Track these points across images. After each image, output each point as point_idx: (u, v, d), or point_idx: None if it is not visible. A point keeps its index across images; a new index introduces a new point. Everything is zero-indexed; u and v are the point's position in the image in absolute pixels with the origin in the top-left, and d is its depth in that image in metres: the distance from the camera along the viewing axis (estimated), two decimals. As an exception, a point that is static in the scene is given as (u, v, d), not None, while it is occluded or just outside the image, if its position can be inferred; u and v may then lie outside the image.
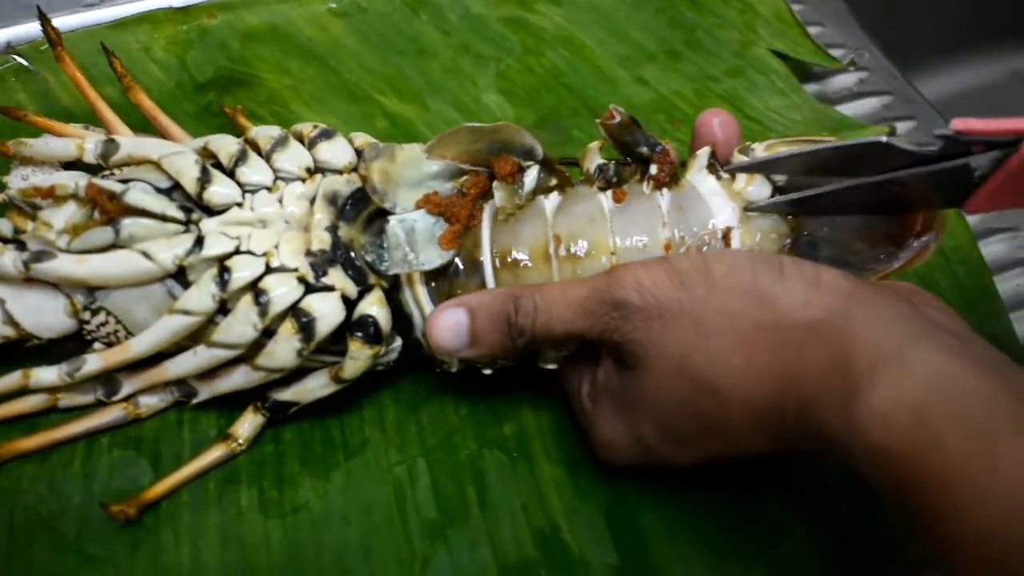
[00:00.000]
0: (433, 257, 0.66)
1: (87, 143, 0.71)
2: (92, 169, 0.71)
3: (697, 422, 0.59)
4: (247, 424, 0.70)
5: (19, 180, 0.72)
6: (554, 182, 0.70)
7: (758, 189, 0.68)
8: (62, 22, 0.98)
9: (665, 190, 0.69)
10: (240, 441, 0.70)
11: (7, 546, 0.65)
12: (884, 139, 0.61)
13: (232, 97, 0.90)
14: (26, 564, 0.65)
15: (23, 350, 0.70)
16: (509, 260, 0.68)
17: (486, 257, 0.68)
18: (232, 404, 0.71)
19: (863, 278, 0.62)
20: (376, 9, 1.02)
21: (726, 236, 0.67)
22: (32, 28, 0.97)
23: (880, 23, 1.17)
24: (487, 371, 0.70)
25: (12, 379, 0.69)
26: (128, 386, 0.70)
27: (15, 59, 0.91)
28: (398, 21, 1.02)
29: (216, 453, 0.69)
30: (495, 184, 0.68)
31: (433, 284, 0.68)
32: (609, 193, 0.70)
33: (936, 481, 0.46)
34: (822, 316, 0.55)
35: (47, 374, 0.69)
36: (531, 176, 0.69)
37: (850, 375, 0.50)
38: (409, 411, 0.74)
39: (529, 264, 0.68)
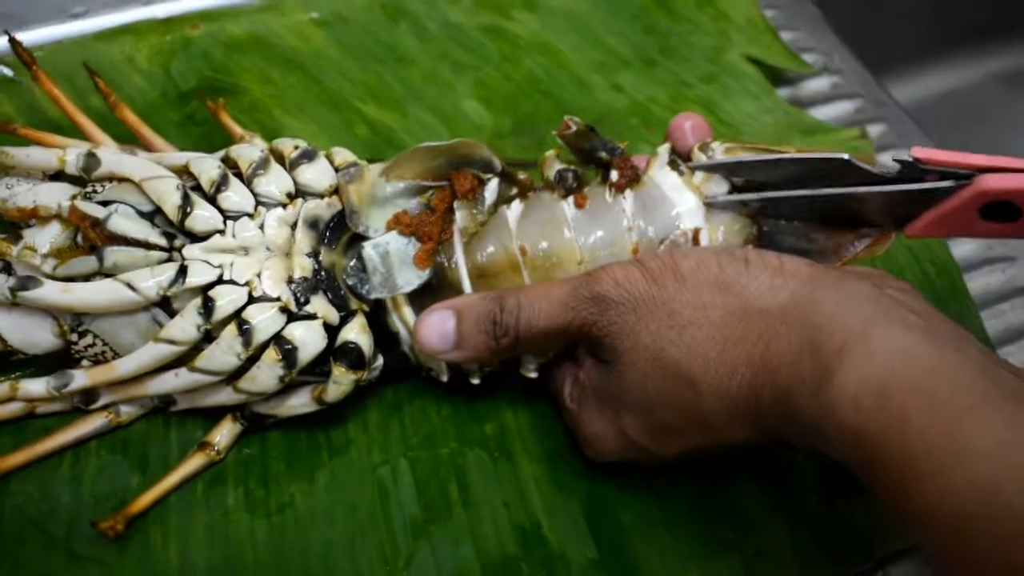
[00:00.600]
0: (411, 278, 0.68)
1: (68, 156, 0.71)
2: (76, 180, 0.72)
3: (676, 413, 0.61)
4: (224, 433, 0.71)
5: (3, 189, 0.72)
6: (515, 191, 0.72)
7: (716, 185, 0.71)
8: (47, 33, 1.00)
9: (628, 191, 0.70)
10: (218, 449, 0.71)
11: (-6, 545, 0.66)
12: (846, 156, 0.65)
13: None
14: (15, 563, 0.66)
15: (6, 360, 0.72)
16: (483, 272, 0.70)
17: (462, 270, 0.69)
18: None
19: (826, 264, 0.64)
20: (357, 19, 1.04)
21: (695, 236, 0.69)
22: (18, 38, 0.98)
23: (853, 28, 1.19)
24: (475, 380, 0.72)
25: (0, 389, 0.70)
26: (107, 396, 0.71)
27: (1, 70, 0.91)
28: (378, 30, 1.03)
29: (196, 462, 0.70)
30: (456, 204, 0.69)
31: (416, 301, 0.69)
32: (571, 199, 0.71)
33: (901, 455, 0.48)
34: (788, 301, 0.57)
35: (35, 386, 0.70)
36: (491, 189, 0.70)
37: (819, 359, 0.52)
38: (392, 412, 0.75)
39: (501, 274, 0.70)
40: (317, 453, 0.72)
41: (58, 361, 0.71)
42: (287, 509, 0.69)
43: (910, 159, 0.63)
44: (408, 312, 0.69)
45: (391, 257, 0.68)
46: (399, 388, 0.76)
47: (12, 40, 0.79)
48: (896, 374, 0.50)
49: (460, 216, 0.69)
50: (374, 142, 0.92)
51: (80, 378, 0.69)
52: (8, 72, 0.92)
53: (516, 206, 0.72)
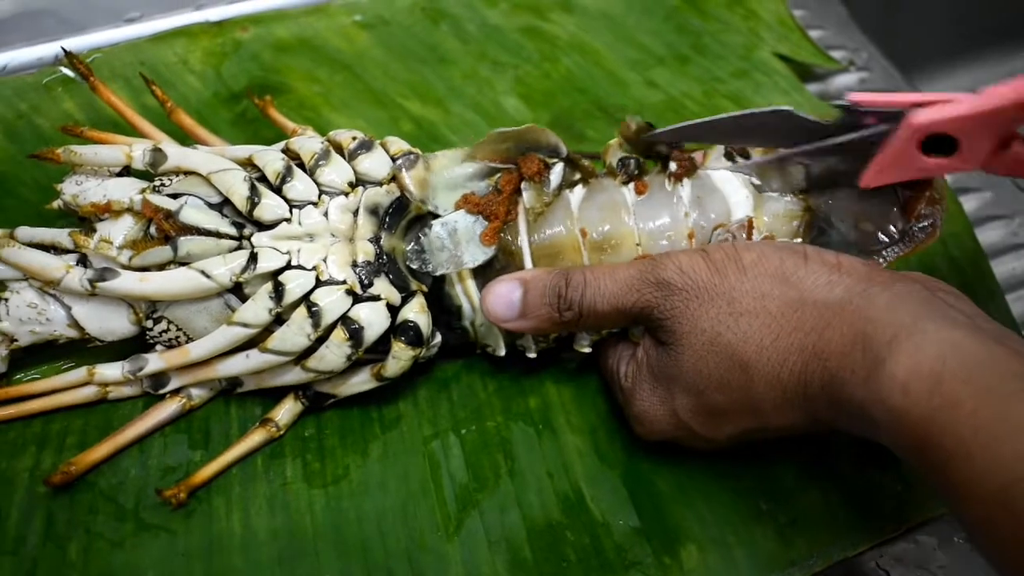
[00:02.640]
0: (477, 254, 0.72)
1: (135, 151, 0.74)
2: (142, 175, 0.76)
3: (728, 396, 0.63)
4: (286, 411, 0.74)
5: (73, 186, 0.75)
6: (578, 176, 0.75)
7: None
8: (104, 36, 1.04)
9: (686, 180, 0.74)
10: (279, 426, 0.74)
11: (69, 515, 0.70)
12: (789, 108, 0.69)
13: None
14: (88, 532, 0.69)
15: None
16: (544, 252, 0.73)
17: (525, 249, 0.73)
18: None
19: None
20: (399, 21, 1.07)
21: (749, 224, 0.72)
22: (77, 42, 1.02)
23: (880, 26, 1.21)
24: (531, 355, 0.75)
25: (78, 375, 0.74)
26: (176, 380, 0.74)
27: (62, 71, 0.95)
28: (420, 32, 1.07)
29: (256, 438, 0.73)
30: (523, 185, 0.73)
31: (480, 278, 0.73)
32: (632, 185, 0.75)
33: (950, 434, 0.51)
34: (843, 296, 0.60)
35: (111, 371, 0.73)
36: (556, 172, 0.74)
37: (871, 348, 0.56)
38: (440, 388, 0.78)
39: (562, 254, 0.73)
40: (370, 427, 0.76)
41: (130, 347, 0.75)
42: (342, 480, 0.73)
43: (847, 103, 0.68)
44: (472, 287, 0.73)
45: (458, 234, 0.72)
46: (447, 367, 0.79)
47: (68, 54, 0.83)
48: (946, 363, 0.53)
49: (527, 196, 0.72)
50: (419, 137, 0.95)
51: (154, 361, 0.72)
52: (70, 72, 0.95)
53: (579, 190, 0.75)
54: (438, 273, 0.72)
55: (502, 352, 0.75)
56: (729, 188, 0.74)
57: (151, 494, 0.71)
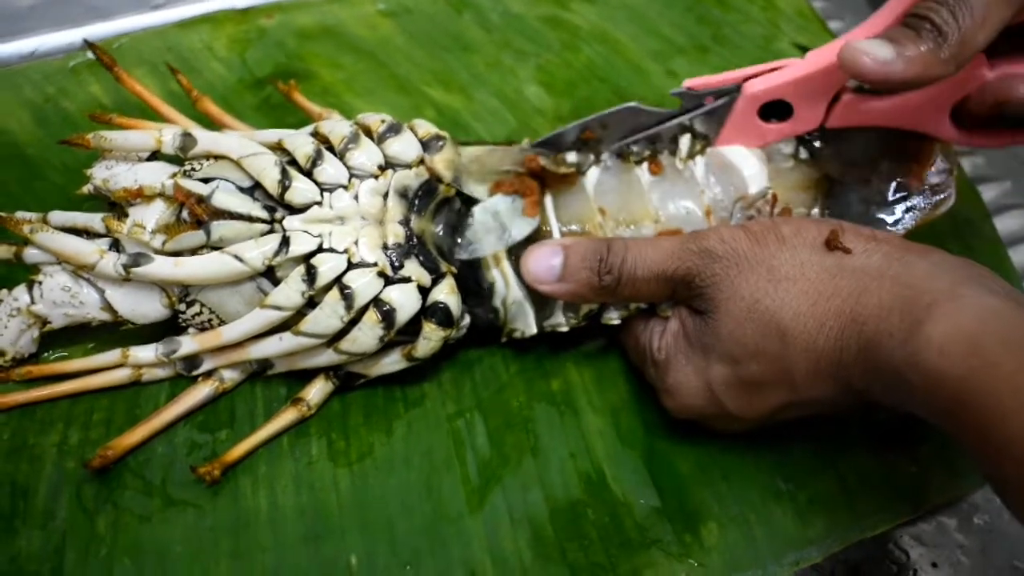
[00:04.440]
0: (523, 227, 0.73)
1: (164, 136, 0.75)
2: (172, 159, 0.76)
3: (764, 365, 0.64)
4: (317, 390, 0.75)
5: (103, 171, 0.76)
6: (591, 158, 0.76)
7: (782, 144, 0.77)
8: (130, 22, 1.05)
9: (698, 158, 0.75)
10: (310, 405, 0.75)
11: (97, 490, 0.71)
12: (634, 104, 0.76)
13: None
14: (116, 507, 0.71)
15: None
16: (570, 231, 0.74)
17: (554, 226, 0.74)
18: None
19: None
20: (422, 9, 1.08)
21: (773, 200, 0.73)
22: (103, 28, 1.04)
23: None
24: (563, 329, 0.76)
25: (112, 356, 0.75)
26: (209, 362, 0.75)
27: (89, 56, 0.96)
28: (443, 20, 1.07)
29: (288, 417, 0.74)
30: (540, 158, 0.74)
31: (513, 257, 0.74)
32: (645, 166, 0.76)
33: (988, 394, 0.52)
34: (881, 262, 0.61)
35: (144, 353, 0.74)
36: (570, 156, 0.75)
37: (909, 312, 0.56)
38: (463, 369, 0.79)
39: (585, 235, 0.74)
40: (394, 406, 0.77)
41: (161, 329, 0.76)
42: (367, 457, 0.74)
43: (685, 90, 0.75)
44: (507, 264, 0.74)
45: (501, 214, 0.73)
46: (470, 350, 0.80)
47: (91, 46, 0.84)
48: (985, 326, 0.54)
49: (545, 161, 0.73)
50: (441, 124, 0.94)
51: (188, 344, 0.73)
52: (93, 54, 0.96)
53: (593, 173, 0.76)
54: (490, 253, 0.73)
55: (533, 331, 0.76)
56: (742, 162, 0.76)
57: (178, 470, 0.72)
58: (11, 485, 0.71)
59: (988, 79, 0.69)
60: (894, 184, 0.75)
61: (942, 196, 0.75)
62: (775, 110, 0.74)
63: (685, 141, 0.76)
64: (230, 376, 0.76)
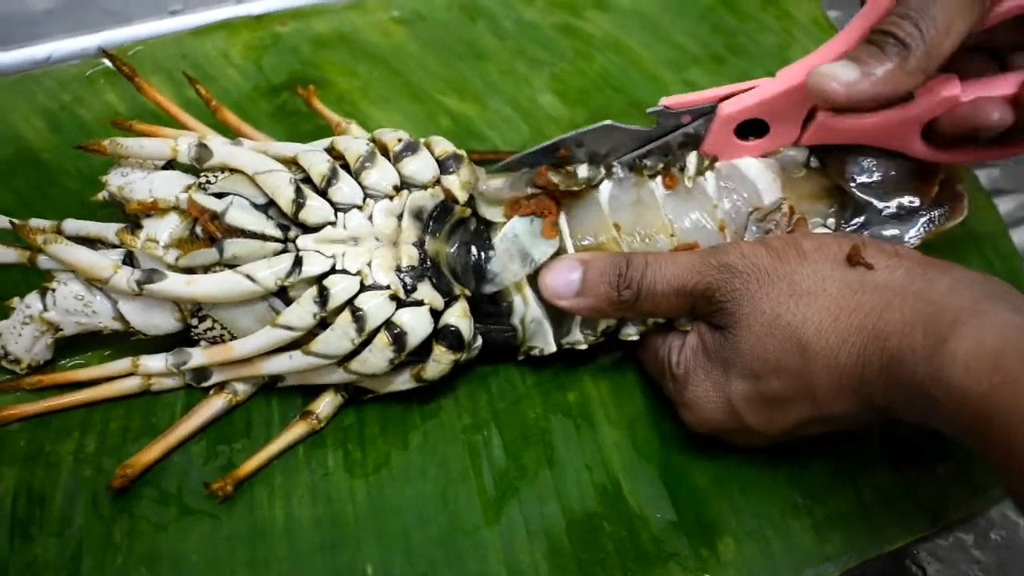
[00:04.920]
0: (545, 249, 0.73)
1: (180, 145, 0.74)
2: (187, 168, 0.76)
3: (784, 380, 0.64)
4: (326, 404, 0.75)
5: (119, 178, 0.76)
6: (603, 172, 0.76)
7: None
8: (147, 28, 1.05)
9: (708, 172, 0.75)
10: (319, 418, 0.75)
11: (113, 497, 0.71)
12: (609, 122, 0.76)
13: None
14: (132, 516, 0.71)
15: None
16: (585, 246, 0.74)
17: (568, 243, 0.74)
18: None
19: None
20: (436, 17, 1.08)
21: (790, 212, 0.73)
22: (119, 34, 1.04)
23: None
24: (582, 347, 0.76)
25: (122, 364, 0.75)
26: (218, 375, 0.75)
27: (105, 63, 0.96)
28: (456, 28, 1.07)
29: (298, 430, 0.74)
30: (551, 174, 0.73)
31: (530, 277, 0.73)
32: (659, 180, 0.75)
33: (1012, 412, 0.52)
34: (904, 278, 0.61)
35: (154, 363, 0.74)
36: (582, 169, 0.74)
37: (932, 329, 0.56)
38: (479, 381, 0.79)
39: (603, 250, 0.74)
40: (410, 417, 0.77)
41: (173, 338, 0.75)
42: (383, 468, 0.74)
43: (662, 107, 0.75)
44: (526, 284, 0.73)
45: (520, 238, 0.73)
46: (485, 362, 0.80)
47: (110, 57, 0.84)
48: (1008, 343, 0.54)
49: (557, 179, 0.72)
50: (456, 132, 0.96)
51: (198, 356, 0.73)
52: (111, 65, 0.96)
53: (605, 188, 0.76)
54: (516, 280, 0.73)
55: (552, 349, 0.75)
56: (755, 174, 0.76)
57: (194, 479, 0.72)
58: (28, 492, 0.71)
59: (960, 102, 0.69)
60: (907, 194, 0.75)
61: (955, 206, 0.75)
62: (752, 128, 0.75)
63: (693, 157, 0.76)
64: (242, 388, 0.76)
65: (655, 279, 0.68)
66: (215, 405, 0.75)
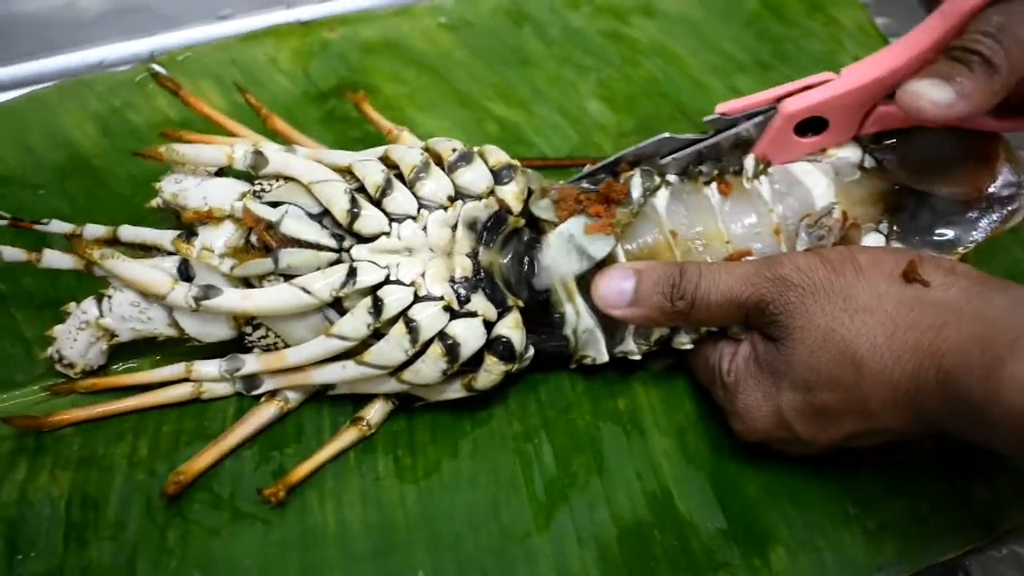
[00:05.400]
0: (602, 245, 0.72)
1: (236, 152, 0.75)
2: (241, 175, 0.77)
3: (837, 394, 0.64)
4: (377, 410, 0.75)
5: (172, 185, 0.76)
6: (657, 181, 0.76)
7: (848, 151, 0.77)
8: (196, 33, 1.06)
9: (763, 177, 0.75)
10: (370, 424, 0.75)
11: (166, 503, 0.71)
12: (667, 134, 0.77)
13: (353, 104, 0.96)
14: (186, 519, 0.71)
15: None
16: (638, 256, 0.74)
17: (620, 256, 0.74)
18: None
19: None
20: (483, 24, 1.08)
21: (843, 217, 0.73)
22: (169, 39, 1.05)
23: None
24: (636, 357, 0.76)
25: (175, 370, 0.76)
26: (269, 383, 0.75)
27: (155, 67, 0.97)
28: (503, 35, 1.07)
29: (349, 436, 0.75)
30: (619, 212, 0.73)
31: (582, 284, 0.73)
32: (714, 186, 0.75)
33: None
34: (960, 296, 0.61)
35: (207, 368, 0.75)
36: (635, 184, 0.74)
37: (991, 348, 0.56)
38: (528, 389, 0.79)
39: (656, 257, 0.74)
40: (460, 423, 0.77)
41: (225, 344, 0.76)
42: (433, 475, 0.74)
43: (718, 115, 0.76)
44: (577, 294, 0.73)
45: (576, 238, 0.73)
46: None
47: (156, 75, 0.84)
48: None
49: (620, 214, 0.73)
50: (503, 139, 0.96)
51: (251, 363, 0.74)
52: (162, 70, 0.97)
53: (662, 194, 0.76)
54: (571, 275, 0.73)
55: (604, 359, 0.75)
56: (810, 179, 0.76)
57: (246, 484, 0.73)
58: (82, 495, 0.72)
59: None
60: (962, 197, 0.75)
61: (1011, 209, 0.75)
62: (809, 125, 0.75)
63: (750, 160, 0.76)
64: (293, 396, 0.76)
65: (709, 290, 0.68)
66: (267, 412, 0.75)
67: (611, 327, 0.74)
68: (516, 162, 0.75)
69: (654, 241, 0.74)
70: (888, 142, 0.77)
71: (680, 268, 0.69)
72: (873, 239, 0.75)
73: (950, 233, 0.75)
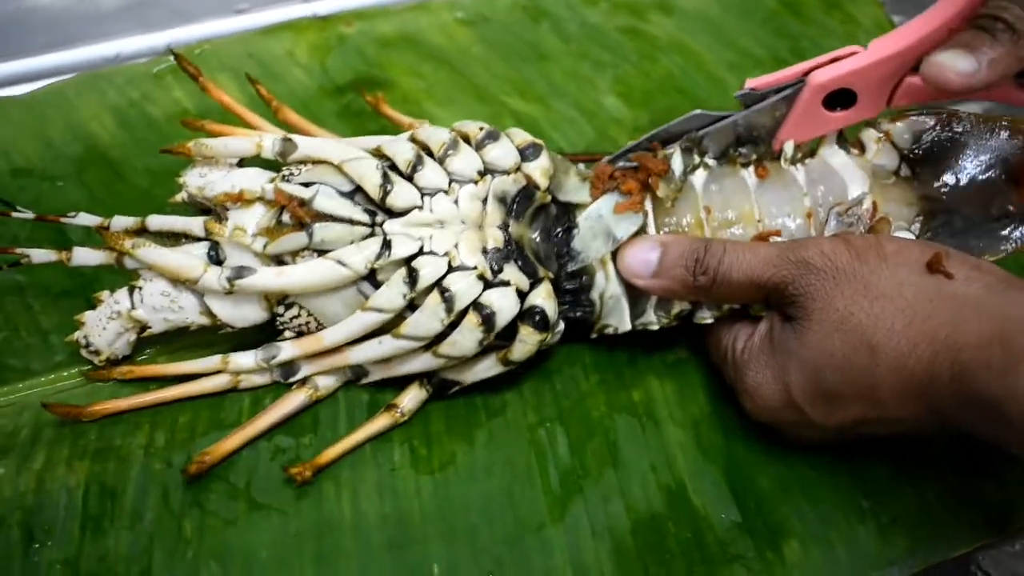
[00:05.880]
0: (627, 226, 0.73)
1: (265, 142, 0.75)
2: (264, 165, 0.77)
3: (847, 379, 0.64)
4: (411, 398, 0.76)
5: (197, 179, 0.77)
6: (697, 160, 0.77)
7: (886, 157, 0.77)
8: (213, 27, 1.07)
9: (799, 165, 0.75)
10: (404, 412, 0.75)
11: (183, 492, 0.72)
12: (698, 111, 0.77)
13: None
14: (201, 509, 0.71)
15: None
16: (671, 229, 0.75)
17: (651, 226, 0.75)
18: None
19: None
20: (500, 19, 1.08)
21: (873, 209, 0.74)
22: (187, 32, 1.05)
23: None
24: (654, 327, 0.76)
25: (212, 362, 0.76)
26: (306, 369, 0.76)
27: (172, 60, 0.97)
28: (520, 30, 1.08)
29: (381, 423, 0.75)
30: (652, 180, 0.74)
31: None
32: (751, 169, 0.76)
33: None
34: (982, 292, 0.61)
35: (244, 359, 0.75)
36: (676, 161, 0.75)
37: (1011, 346, 0.55)
38: (543, 379, 0.80)
39: (687, 232, 0.75)
40: (475, 414, 0.77)
41: (256, 336, 0.77)
42: (449, 466, 0.74)
43: (748, 90, 0.77)
44: (609, 259, 0.74)
45: (605, 218, 0.73)
46: (550, 359, 0.80)
47: (177, 56, 0.84)
48: None
49: (661, 189, 0.74)
50: (520, 133, 0.97)
51: (288, 349, 0.74)
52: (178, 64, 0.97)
53: (700, 173, 0.77)
54: (598, 257, 0.74)
55: (626, 327, 0.76)
56: (847, 173, 0.77)
57: (262, 474, 0.73)
58: (99, 485, 0.72)
59: None
60: (997, 206, 0.74)
61: None
62: (838, 99, 0.75)
63: (790, 146, 0.77)
64: (324, 384, 0.76)
65: (731, 267, 0.68)
66: (296, 400, 0.76)
67: (636, 296, 0.75)
68: (540, 142, 0.75)
69: (688, 217, 0.75)
70: (922, 150, 0.76)
71: (705, 244, 0.69)
72: (902, 236, 0.75)
73: (981, 243, 0.75)
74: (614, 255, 0.74)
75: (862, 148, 0.78)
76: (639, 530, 0.72)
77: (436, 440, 0.76)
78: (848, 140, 0.78)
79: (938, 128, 0.75)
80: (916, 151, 0.76)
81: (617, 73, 1.04)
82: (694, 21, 1.10)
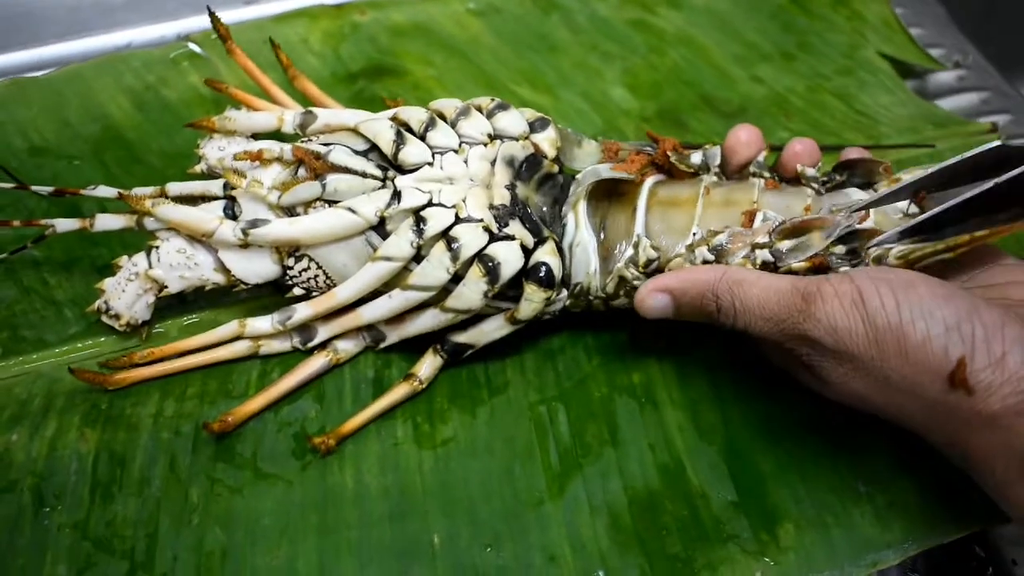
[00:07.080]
0: (600, 170, 0.77)
1: (286, 115, 0.79)
2: (281, 139, 0.79)
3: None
4: (427, 365, 0.77)
5: (215, 151, 0.80)
6: (714, 177, 0.78)
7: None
8: (229, 15, 1.08)
9: (808, 189, 0.76)
10: (421, 380, 0.77)
11: (191, 460, 0.74)
12: (999, 143, 0.64)
13: (382, 85, 0.98)
14: (209, 478, 0.73)
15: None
16: (661, 199, 0.76)
17: (643, 195, 0.76)
18: (390, 349, 0.79)
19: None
20: (510, 10, 1.10)
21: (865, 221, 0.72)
22: (202, 20, 1.05)
23: (976, 25, 1.22)
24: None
25: (230, 328, 0.78)
26: (323, 332, 0.78)
27: (189, 46, 0.99)
28: (531, 21, 1.09)
29: (401, 391, 0.76)
30: (673, 157, 0.77)
31: (592, 203, 0.77)
32: (762, 181, 0.76)
33: None
34: (1000, 411, 0.58)
35: (261, 323, 0.77)
36: (696, 155, 0.78)
37: (1019, 467, 0.57)
38: (546, 358, 0.81)
39: (677, 206, 0.76)
40: (478, 391, 0.79)
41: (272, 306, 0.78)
42: (451, 441, 0.76)
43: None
44: (583, 209, 0.76)
45: (597, 170, 0.77)
46: (552, 339, 0.82)
47: (212, 15, 0.86)
48: None
49: (676, 159, 0.77)
50: (529, 122, 0.98)
51: (303, 309, 0.76)
52: (197, 48, 0.99)
53: (708, 179, 0.78)
54: (575, 201, 0.76)
55: (597, 286, 0.76)
56: (856, 196, 0.74)
57: (268, 444, 0.75)
58: (109, 452, 0.74)
59: None
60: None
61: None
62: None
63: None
64: (344, 347, 0.78)
65: (746, 326, 0.67)
66: (317, 363, 0.78)
67: (607, 250, 0.77)
68: (549, 117, 0.78)
69: (687, 192, 0.76)
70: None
71: (717, 300, 0.68)
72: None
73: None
74: (592, 210, 0.76)
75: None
76: (636, 507, 0.72)
77: (439, 416, 0.77)
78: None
79: None
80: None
81: (625, 65, 1.06)
82: (702, 15, 1.12)
